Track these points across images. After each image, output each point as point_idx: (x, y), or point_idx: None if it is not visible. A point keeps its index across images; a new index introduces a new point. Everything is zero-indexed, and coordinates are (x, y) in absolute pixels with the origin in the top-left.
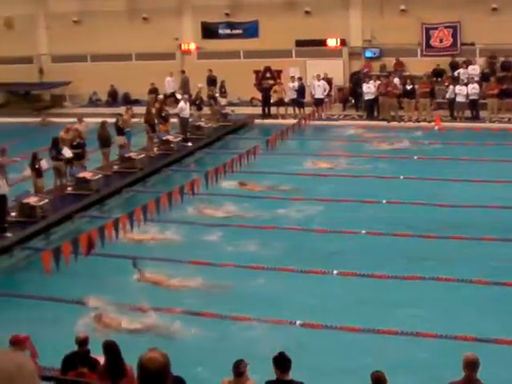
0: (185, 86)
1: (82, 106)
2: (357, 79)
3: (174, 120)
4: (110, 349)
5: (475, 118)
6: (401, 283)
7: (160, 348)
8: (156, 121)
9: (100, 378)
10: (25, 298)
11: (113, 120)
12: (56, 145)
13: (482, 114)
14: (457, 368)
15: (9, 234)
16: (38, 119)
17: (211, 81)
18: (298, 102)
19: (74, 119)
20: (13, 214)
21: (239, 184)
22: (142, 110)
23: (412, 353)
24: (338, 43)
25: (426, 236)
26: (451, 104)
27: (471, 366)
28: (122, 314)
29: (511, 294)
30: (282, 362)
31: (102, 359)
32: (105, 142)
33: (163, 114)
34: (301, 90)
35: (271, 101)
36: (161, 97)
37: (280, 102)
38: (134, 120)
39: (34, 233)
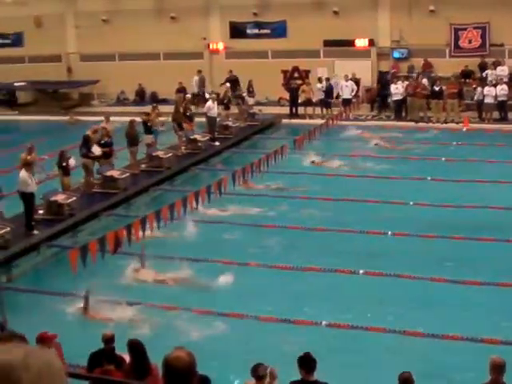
0: (201, 85)
1: (110, 104)
2: (384, 80)
3: (201, 119)
4: (135, 348)
5: (503, 119)
6: (427, 284)
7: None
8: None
9: (125, 376)
10: (52, 295)
11: (140, 119)
12: (86, 142)
13: (511, 115)
14: (483, 371)
15: (36, 232)
16: (66, 117)
17: (232, 81)
18: (325, 103)
19: (102, 118)
20: (40, 211)
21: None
22: (169, 109)
23: (437, 355)
24: (367, 44)
25: (453, 238)
26: (479, 105)
27: (498, 369)
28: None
29: None
30: (307, 363)
31: (127, 357)
32: (133, 140)
33: (188, 114)
34: (328, 91)
35: (299, 101)
36: (189, 96)
37: (308, 102)
38: (160, 119)
39: (62, 231)
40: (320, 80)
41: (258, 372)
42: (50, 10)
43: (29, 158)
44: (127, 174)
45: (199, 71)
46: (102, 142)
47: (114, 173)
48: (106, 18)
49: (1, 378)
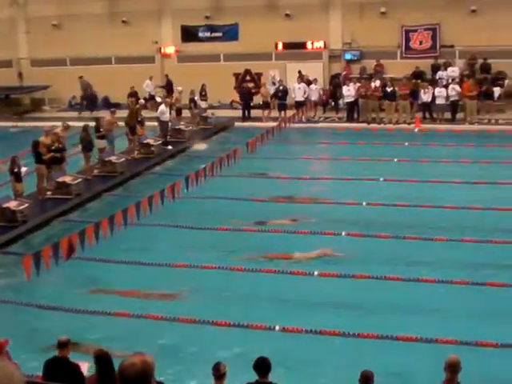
0: (86, 89)
1: (62, 109)
2: (336, 82)
3: (153, 123)
4: (103, 359)
5: (454, 119)
6: (381, 284)
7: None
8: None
9: None
10: (5, 303)
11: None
12: (35, 147)
13: (461, 115)
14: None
15: None
16: (16, 124)
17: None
18: (280, 105)
19: (55, 123)
20: None
21: None
22: (122, 113)
23: (392, 356)
24: (318, 46)
25: (405, 238)
26: (430, 106)
27: (452, 367)
28: None
29: None
30: (262, 367)
31: (83, 365)
32: (87, 145)
33: (139, 119)
34: (283, 93)
35: (255, 103)
36: (142, 101)
37: (265, 105)
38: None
39: (15, 237)
40: (274, 82)
41: (219, 371)
42: (0, 15)
43: None
44: (80, 180)
45: (80, 77)
46: (53, 147)
47: (67, 178)
48: (57, 22)
49: None
